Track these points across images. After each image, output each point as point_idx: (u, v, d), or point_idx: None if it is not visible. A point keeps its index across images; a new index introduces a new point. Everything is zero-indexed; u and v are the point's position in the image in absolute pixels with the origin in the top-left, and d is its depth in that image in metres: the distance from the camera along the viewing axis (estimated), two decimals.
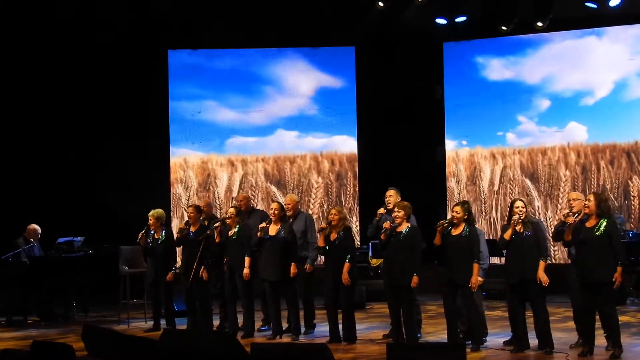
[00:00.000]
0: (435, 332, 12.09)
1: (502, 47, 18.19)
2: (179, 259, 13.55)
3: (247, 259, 11.90)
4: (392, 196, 11.61)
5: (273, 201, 12.62)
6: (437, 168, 18.52)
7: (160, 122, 18.44)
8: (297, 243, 11.90)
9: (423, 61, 18.40)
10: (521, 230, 10.27)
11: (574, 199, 10.60)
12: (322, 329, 12.08)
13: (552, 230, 11.37)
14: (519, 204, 10.39)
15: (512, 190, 17.87)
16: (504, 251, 10.73)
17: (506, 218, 10.80)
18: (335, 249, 11.30)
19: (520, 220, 10.28)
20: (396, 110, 18.49)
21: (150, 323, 13.13)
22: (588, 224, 9.95)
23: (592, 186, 17.22)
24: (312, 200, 18.51)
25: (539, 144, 17.85)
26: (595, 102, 17.43)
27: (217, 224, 12.17)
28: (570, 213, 10.32)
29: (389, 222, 11.00)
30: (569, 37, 17.69)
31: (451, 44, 18.51)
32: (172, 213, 18.22)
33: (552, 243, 14.90)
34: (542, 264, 10.16)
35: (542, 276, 10.12)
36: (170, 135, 18.55)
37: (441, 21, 17.24)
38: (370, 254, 15.93)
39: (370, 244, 15.98)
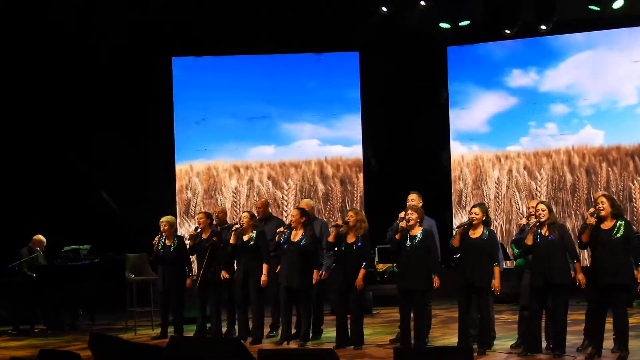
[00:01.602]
0: (443, 336, 12.09)
1: (506, 51, 18.22)
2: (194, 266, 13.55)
3: (265, 266, 11.86)
4: (413, 200, 11.49)
5: (295, 208, 12.50)
6: (443, 172, 18.53)
7: (165, 129, 18.46)
8: (317, 250, 11.86)
9: (427, 65, 18.43)
10: (547, 234, 10.19)
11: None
12: (330, 334, 12.07)
13: (579, 229, 11.28)
14: (540, 206, 10.29)
15: (518, 193, 17.86)
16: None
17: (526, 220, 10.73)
18: (351, 252, 11.22)
19: (538, 223, 10.21)
20: (401, 115, 18.51)
21: (157, 330, 13.13)
22: (604, 226, 9.89)
23: (596, 189, 17.21)
24: (317, 206, 18.50)
25: (544, 147, 17.85)
26: (597, 104, 17.45)
27: (236, 226, 12.10)
28: (595, 213, 10.21)
29: (404, 221, 10.94)
30: (574, 38, 17.69)
31: (455, 48, 18.53)
32: (178, 220, 18.22)
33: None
34: (578, 266, 10.10)
35: (582, 278, 10.06)
36: (175, 142, 18.57)
37: (445, 25, 17.25)
38: (377, 259, 15.95)
39: (377, 248, 15.99)
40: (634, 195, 17.04)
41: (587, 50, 17.62)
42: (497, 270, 10.47)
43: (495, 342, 11.07)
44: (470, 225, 10.59)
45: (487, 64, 18.43)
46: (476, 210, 10.62)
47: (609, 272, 9.79)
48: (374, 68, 18.55)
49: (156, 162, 18.27)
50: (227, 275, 12.16)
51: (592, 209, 10.58)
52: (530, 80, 18.05)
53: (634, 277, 9.83)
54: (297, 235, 11.68)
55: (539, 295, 10.27)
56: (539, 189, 17.77)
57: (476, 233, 10.56)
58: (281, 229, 11.86)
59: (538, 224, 10.20)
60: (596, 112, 17.49)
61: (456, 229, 10.70)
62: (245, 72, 18.80)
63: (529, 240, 10.24)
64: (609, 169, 17.28)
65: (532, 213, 10.42)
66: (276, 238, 11.78)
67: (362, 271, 11.15)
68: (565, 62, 17.74)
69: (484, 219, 10.58)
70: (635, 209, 17.02)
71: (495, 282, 10.44)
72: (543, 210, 10.19)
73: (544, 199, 17.51)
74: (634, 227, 16.50)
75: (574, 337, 11.12)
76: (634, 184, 17.04)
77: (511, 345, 10.87)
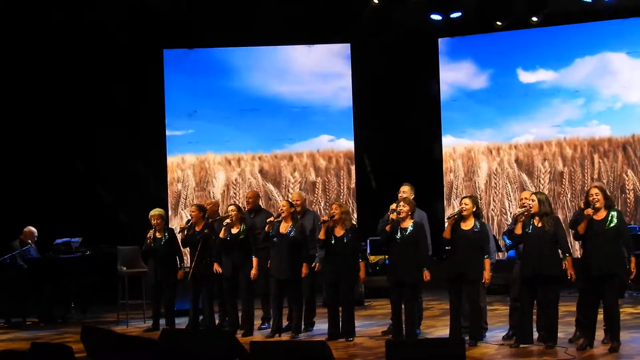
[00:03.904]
0: (435, 328, 12.10)
1: (497, 43, 18.20)
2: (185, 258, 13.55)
3: (254, 260, 11.88)
4: (406, 192, 11.50)
5: (284, 199, 12.53)
6: (434, 164, 18.53)
7: (157, 121, 18.43)
8: (307, 242, 11.84)
9: (419, 57, 18.43)
10: (540, 225, 10.20)
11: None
12: (321, 326, 12.08)
13: (571, 217, 11.31)
14: (532, 197, 10.30)
15: (508, 185, 17.88)
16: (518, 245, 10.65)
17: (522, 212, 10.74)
18: (342, 246, 11.24)
19: (526, 212, 10.23)
20: (392, 106, 18.51)
21: (149, 323, 13.13)
22: (597, 217, 9.92)
23: (588, 180, 17.23)
24: (309, 198, 18.49)
25: (535, 138, 17.86)
26: (591, 97, 17.48)
27: (227, 221, 12.09)
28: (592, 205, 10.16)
29: (395, 213, 10.95)
30: (565, 30, 17.69)
31: (446, 39, 18.53)
32: (169, 213, 18.21)
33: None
34: (569, 260, 10.09)
35: (573, 273, 10.05)
36: (166, 134, 18.53)
37: (436, 17, 17.24)
38: (368, 250, 15.94)
39: (368, 240, 16.00)
40: (627, 187, 17.06)
41: (579, 42, 17.61)
42: (487, 262, 10.48)
43: (487, 334, 11.09)
44: (460, 215, 10.60)
45: (478, 55, 18.41)
46: (466, 201, 10.64)
47: (602, 262, 9.83)
48: (366, 60, 18.54)
49: (147, 154, 18.24)
50: (219, 269, 12.15)
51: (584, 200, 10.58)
52: (521, 72, 18.04)
53: (626, 268, 9.85)
54: (286, 227, 11.69)
55: (529, 285, 10.30)
56: (530, 180, 17.78)
57: (468, 225, 10.57)
58: (271, 218, 11.85)
59: (526, 213, 10.22)
60: (589, 103, 17.49)
61: (447, 220, 10.70)
62: (236, 64, 18.78)
63: (518, 230, 10.27)
64: (600, 160, 17.30)
65: (524, 204, 10.41)
66: (266, 228, 11.76)
67: (362, 264, 11.24)
68: (559, 55, 17.72)
69: (474, 210, 10.59)
70: (628, 200, 17.05)
71: (486, 274, 10.46)
72: (533, 201, 10.20)
73: (538, 190, 17.56)
74: (626, 218, 16.62)
75: (566, 328, 11.15)
76: (627, 175, 17.06)
77: (503, 337, 10.89)
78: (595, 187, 10.21)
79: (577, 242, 12.23)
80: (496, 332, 11.27)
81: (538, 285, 10.21)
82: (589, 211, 9.95)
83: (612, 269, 9.82)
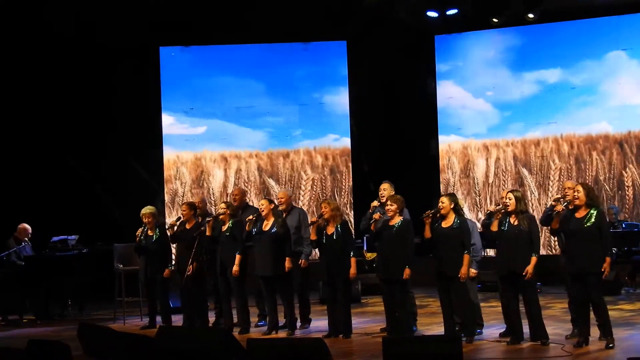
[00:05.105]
0: (431, 324, 12.10)
1: (494, 40, 18.19)
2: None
3: (237, 257, 11.86)
4: (386, 189, 11.60)
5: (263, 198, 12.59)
6: (431, 161, 18.52)
7: (153, 118, 18.40)
8: (290, 238, 11.88)
9: (415, 54, 18.42)
10: (516, 223, 10.23)
11: (568, 187, 10.52)
12: (318, 323, 12.08)
13: (541, 214, 11.35)
14: (508, 195, 10.35)
15: (505, 182, 17.88)
16: (496, 242, 10.70)
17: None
18: (333, 243, 11.23)
19: (503, 210, 10.26)
20: (389, 104, 18.50)
21: (146, 320, 13.13)
22: (578, 215, 9.92)
23: (585, 177, 17.23)
24: (305, 196, 18.48)
25: (532, 135, 17.86)
26: (585, 92, 17.49)
27: (208, 219, 12.14)
28: (562, 199, 10.28)
29: (378, 213, 10.99)
30: (562, 27, 17.70)
31: (443, 36, 18.52)
32: (166, 210, 18.19)
33: (542, 230, 14.95)
34: (534, 260, 10.11)
35: (530, 270, 10.07)
36: (162, 131, 18.50)
37: (432, 14, 17.25)
38: (365, 247, 15.95)
39: (364, 237, 16.01)
40: (625, 183, 17.06)
41: (577, 39, 17.60)
42: (466, 257, 10.46)
43: (483, 331, 11.09)
44: (441, 215, 10.60)
45: (476, 53, 18.40)
46: (443, 199, 10.67)
47: (580, 260, 9.83)
48: (362, 57, 18.52)
49: (144, 151, 18.22)
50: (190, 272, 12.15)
51: (557, 196, 10.63)
52: (518, 69, 18.03)
53: (601, 266, 9.79)
54: (268, 225, 11.72)
55: (507, 283, 10.34)
56: (530, 175, 17.78)
57: (447, 222, 10.58)
58: (251, 217, 11.85)
59: (502, 210, 10.25)
60: (585, 100, 17.49)
61: (423, 219, 10.67)
62: (233, 62, 18.74)
63: (494, 227, 10.31)
64: (597, 157, 17.30)
65: (566, 194, 10.37)
66: (247, 227, 11.78)
67: (353, 260, 11.16)
68: (557, 53, 17.71)
69: (452, 207, 10.58)
70: (626, 197, 17.05)
71: (463, 270, 10.42)
72: (510, 199, 10.23)
73: (533, 187, 17.58)
74: (625, 215, 16.64)
75: (562, 325, 11.16)
76: (625, 172, 17.06)
77: (500, 334, 10.89)
78: (580, 184, 10.21)
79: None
80: (493, 329, 11.26)
81: (517, 283, 10.24)
82: (559, 207, 10.01)
83: (590, 267, 9.78)
